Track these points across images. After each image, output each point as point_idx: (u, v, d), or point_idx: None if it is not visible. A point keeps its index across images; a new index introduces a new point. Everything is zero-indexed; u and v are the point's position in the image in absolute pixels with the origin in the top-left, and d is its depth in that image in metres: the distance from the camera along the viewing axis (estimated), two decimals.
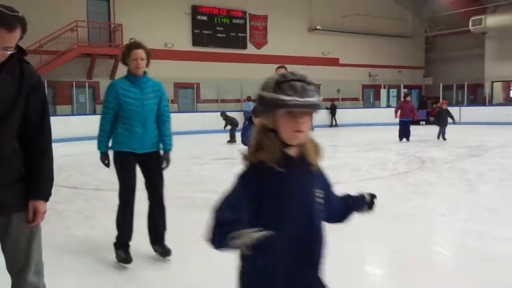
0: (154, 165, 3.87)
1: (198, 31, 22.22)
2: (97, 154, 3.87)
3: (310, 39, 25.48)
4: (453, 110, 15.93)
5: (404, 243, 4.32)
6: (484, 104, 25.42)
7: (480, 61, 26.17)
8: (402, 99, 16.02)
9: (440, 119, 14.99)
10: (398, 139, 14.61)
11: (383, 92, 27.81)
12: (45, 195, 2.14)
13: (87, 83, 19.37)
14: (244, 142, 5.87)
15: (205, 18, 22.41)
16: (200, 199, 6.24)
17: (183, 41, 21.74)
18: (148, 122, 3.76)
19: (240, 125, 17.14)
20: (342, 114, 23.92)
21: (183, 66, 21.24)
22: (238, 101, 22.54)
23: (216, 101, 22.64)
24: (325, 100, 24.28)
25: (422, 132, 17.44)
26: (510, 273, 3.60)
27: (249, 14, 23.82)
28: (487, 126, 19.65)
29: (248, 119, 5.72)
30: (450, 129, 14.88)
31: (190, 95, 22.49)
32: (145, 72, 3.79)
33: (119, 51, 22.23)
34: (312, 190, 1.62)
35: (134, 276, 3.63)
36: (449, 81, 25.95)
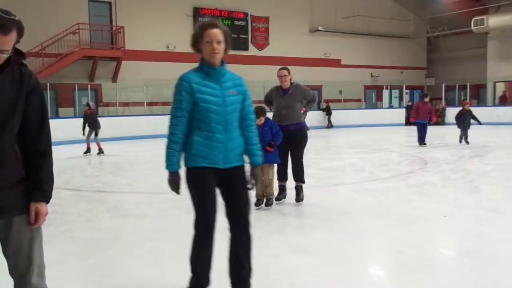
0: (239, 184, 2.98)
1: None
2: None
3: (312, 40, 25.49)
4: (456, 110, 15.85)
5: (407, 244, 4.31)
6: (486, 105, 25.38)
7: (482, 61, 26.12)
8: (419, 99, 14.58)
9: (463, 121, 13.45)
10: (418, 143, 13.24)
11: (385, 93, 27.80)
12: (47, 197, 2.13)
13: (89, 86, 19.40)
14: None
15: (206, 19, 22.41)
16: None
17: (185, 43, 21.48)
18: (232, 126, 2.92)
19: None
20: (344, 115, 23.93)
21: (185, 68, 20.89)
22: None
23: None
24: (326, 101, 24.39)
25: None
26: None
27: (251, 15, 23.85)
28: (490, 127, 19.60)
29: None
30: (452, 130, 14.82)
31: None
32: (223, 61, 2.97)
33: (121, 53, 22.37)
34: None
35: (138, 277, 3.62)
36: (451, 81, 25.91)
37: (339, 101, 25.51)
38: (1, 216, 2.04)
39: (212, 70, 2.94)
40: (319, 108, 23.85)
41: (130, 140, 17.34)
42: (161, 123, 12.97)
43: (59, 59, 18.09)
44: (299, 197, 5.97)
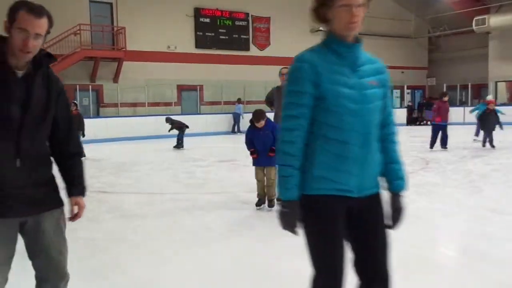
0: (376, 221, 2.04)
1: (201, 33, 22.25)
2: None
3: (313, 40, 24.60)
4: (457, 110, 15.85)
5: (408, 244, 4.30)
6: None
7: (483, 61, 26.08)
8: (438, 98, 13.06)
9: (487, 121, 12.30)
10: (429, 146, 12.31)
11: None
12: (84, 191, 2.31)
13: (90, 86, 19.43)
14: (247, 144, 5.88)
15: (207, 20, 22.44)
16: (204, 201, 6.23)
17: (186, 43, 21.76)
18: (371, 134, 1.96)
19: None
20: None
21: (186, 69, 21.26)
22: (241, 103, 22.60)
23: (220, 103, 22.66)
24: None
25: (426, 133, 17.36)
26: None
27: (252, 16, 23.85)
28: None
29: (250, 121, 5.72)
30: (453, 130, 14.77)
31: (193, 97, 22.51)
32: (357, 38, 1.97)
33: (122, 54, 22.33)
34: None
35: (139, 277, 3.63)
36: (452, 81, 25.88)
37: None
38: (32, 210, 2.12)
39: (346, 48, 1.95)
40: None
41: (131, 140, 17.35)
42: (162, 123, 12.99)
43: (61, 60, 18.08)
44: None
